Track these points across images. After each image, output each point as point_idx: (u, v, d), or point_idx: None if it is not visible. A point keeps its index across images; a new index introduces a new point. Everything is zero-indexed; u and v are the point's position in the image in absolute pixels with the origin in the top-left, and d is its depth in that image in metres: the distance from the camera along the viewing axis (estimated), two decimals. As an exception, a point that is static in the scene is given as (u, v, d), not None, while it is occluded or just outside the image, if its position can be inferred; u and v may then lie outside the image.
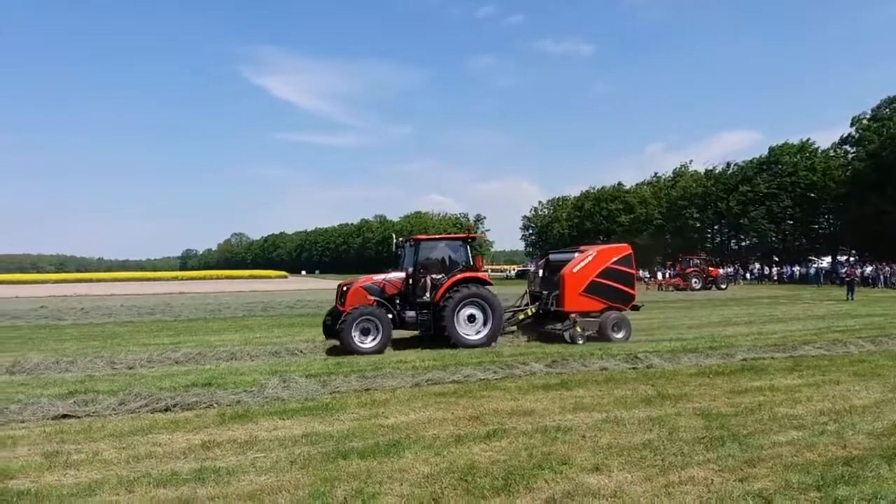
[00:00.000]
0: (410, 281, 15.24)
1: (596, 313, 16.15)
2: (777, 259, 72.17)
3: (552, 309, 16.52)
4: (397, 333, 15.47)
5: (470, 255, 15.76)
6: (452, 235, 16.56)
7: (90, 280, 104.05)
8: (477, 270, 15.55)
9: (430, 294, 15.05)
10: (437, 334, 14.90)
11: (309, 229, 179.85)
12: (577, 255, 16.94)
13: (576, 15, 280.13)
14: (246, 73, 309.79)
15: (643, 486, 5.61)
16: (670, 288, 47.66)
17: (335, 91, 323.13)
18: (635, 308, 16.95)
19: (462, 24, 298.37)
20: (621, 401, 8.88)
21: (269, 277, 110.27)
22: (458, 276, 15.16)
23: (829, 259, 67.95)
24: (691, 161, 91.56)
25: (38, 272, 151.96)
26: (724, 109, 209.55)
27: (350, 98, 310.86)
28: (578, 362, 11.75)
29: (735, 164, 75.94)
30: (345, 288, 15.38)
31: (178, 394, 9.47)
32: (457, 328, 14.71)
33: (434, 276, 15.39)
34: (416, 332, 15.56)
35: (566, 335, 15.63)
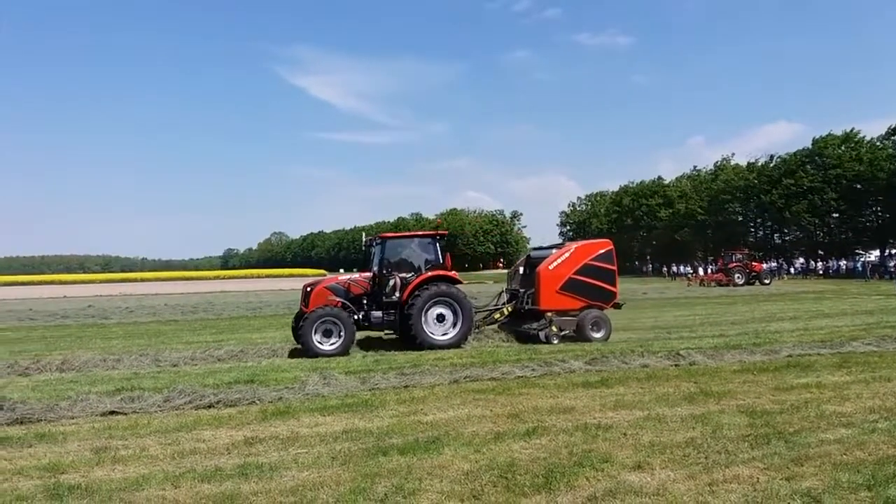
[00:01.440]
0: (377, 280, 14.89)
1: (575, 312, 15.57)
2: (822, 253, 70.49)
3: (527, 308, 16.01)
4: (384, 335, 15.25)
5: (440, 253, 15.28)
6: (421, 233, 16.14)
7: (135, 280, 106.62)
8: (447, 269, 15.10)
9: (398, 294, 14.64)
10: (404, 335, 14.57)
11: (347, 227, 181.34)
12: (554, 251, 16.51)
13: (613, 7, 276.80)
14: (284, 73, 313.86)
15: (686, 484, 5.52)
16: (712, 283, 46.88)
17: (371, 90, 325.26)
18: (617, 306, 16.41)
19: (498, 19, 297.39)
20: (663, 398, 8.76)
21: (309, 275, 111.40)
22: (426, 275, 14.73)
23: (876, 252, 66.11)
24: (733, 154, 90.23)
25: (85, 272, 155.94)
26: (766, 101, 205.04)
27: (386, 96, 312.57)
28: (618, 359, 11.62)
29: (778, 157, 74.45)
30: (308, 289, 14.99)
31: (221, 390, 9.63)
32: (424, 328, 14.29)
33: (403, 275, 15.02)
34: (392, 335, 15.18)
35: (541, 335, 15.06)
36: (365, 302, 14.87)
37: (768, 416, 7.61)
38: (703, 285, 47.27)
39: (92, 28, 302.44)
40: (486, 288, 48.82)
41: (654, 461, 6.10)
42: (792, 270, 65.00)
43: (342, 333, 13.89)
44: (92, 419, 8.37)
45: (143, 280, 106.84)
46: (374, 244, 15.44)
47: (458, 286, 14.84)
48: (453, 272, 15.11)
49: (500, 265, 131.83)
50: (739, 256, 49.28)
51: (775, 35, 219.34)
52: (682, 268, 67.44)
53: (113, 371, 12.58)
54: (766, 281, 46.43)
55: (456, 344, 14.32)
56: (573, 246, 16.32)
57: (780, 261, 67.98)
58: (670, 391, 9.19)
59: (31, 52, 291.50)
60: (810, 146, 69.92)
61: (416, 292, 14.37)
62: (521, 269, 17.06)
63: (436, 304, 14.44)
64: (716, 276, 48.91)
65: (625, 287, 43.03)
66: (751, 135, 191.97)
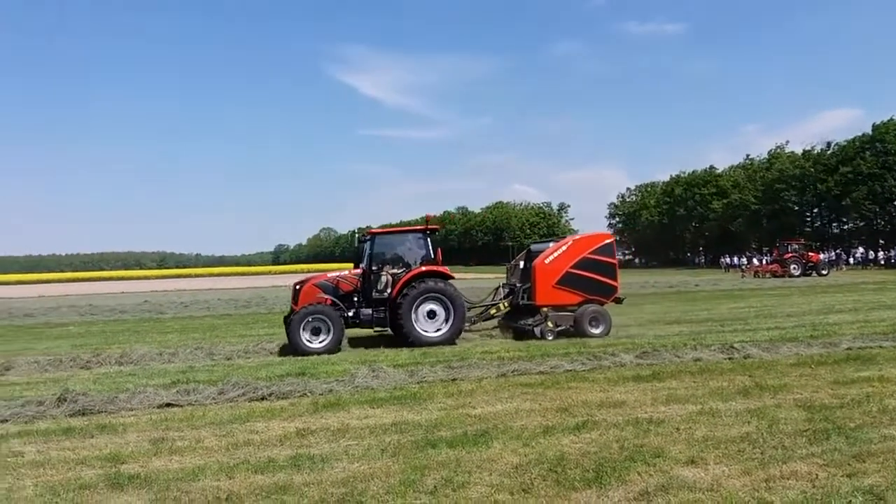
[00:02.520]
0: (367, 277, 14.72)
1: (573, 307, 15.16)
2: (883, 242, 67.96)
3: (523, 303, 15.61)
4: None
5: (430, 248, 15.04)
6: (411, 228, 15.81)
7: (189, 276, 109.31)
8: (438, 264, 14.89)
9: (389, 290, 14.49)
10: (394, 332, 14.41)
11: (393, 222, 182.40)
12: (551, 245, 16.10)
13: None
14: (334, 72, 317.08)
15: (742, 479, 5.39)
16: (767, 275, 45.66)
17: (418, 86, 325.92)
18: (618, 301, 15.94)
19: (542, 10, 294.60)
20: (717, 392, 8.57)
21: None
22: (416, 271, 14.51)
23: (942, 241, 63.43)
24: (787, 142, 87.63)
25: (142, 269, 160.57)
26: (823, 86, 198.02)
27: (433, 92, 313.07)
28: (670, 353, 11.41)
29: (836, 144, 72.01)
30: (298, 287, 14.84)
31: (273, 383, 9.81)
32: (415, 325, 14.09)
33: (393, 271, 14.88)
34: (383, 332, 14.96)
35: (536, 331, 14.65)
36: (355, 299, 14.69)
37: (827, 411, 7.38)
38: (758, 276, 46.08)
39: (149, 29, 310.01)
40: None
41: (707, 456, 5.98)
42: (851, 260, 62.72)
43: (331, 331, 13.67)
44: (149, 411, 8.62)
45: (197, 276, 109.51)
46: (364, 240, 15.16)
47: (450, 282, 14.58)
48: (444, 267, 14.87)
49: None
50: (795, 247, 47.85)
51: (831, 17, 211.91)
52: (735, 259, 65.77)
53: (169, 364, 12.94)
54: (824, 271, 45.00)
55: (447, 341, 14.07)
56: (571, 239, 15.92)
57: (839, 251, 65.74)
58: (724, 385, 8.99)
59: (98, 61, 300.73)
60: (870, 132, 67.40)
61: (406, 289, 14.16)
62: (522, 263, 16.54)
63: (426, 300, 14.22)
64: (771, 266, 47.58)
65: (676, 279, 42.54)
66: (806, 122, 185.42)
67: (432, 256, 14.93)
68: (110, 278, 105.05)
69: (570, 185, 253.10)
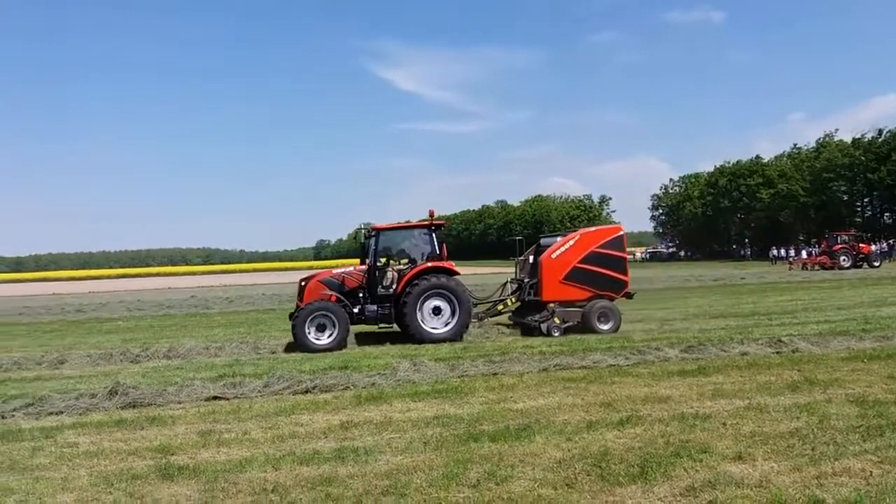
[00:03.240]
0: (372, 273, 14.62)
1: (582, 302, 14.85)
2: (939, 233, 65.61)
3: (529, 299, 15.33)
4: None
5: (436, 243, 14.84)
6: (416, 223, 15.52)
7: (234, 271, 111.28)
8: (443, 260, 14.70)
9: (394, 286, 14.38)
10: (400, 328, 14.28)
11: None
12: (559, 239, 15.76)
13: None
14: (372, 67, 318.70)
15: (791, 476, 5.27)
16: (815, 267, 44.46)
17: (456, 79, 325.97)
18: (628, 296, 15.55)
19: (582, 1, 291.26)
20: (765, 387, 8.39)
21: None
22: (422, 267, 14.35)
23: None
24: (836, 130, 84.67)
25: (188, 265, 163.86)
26: (874, 71, 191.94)
27: (471, 85, 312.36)
28: (717, 347, 11.21)
29: (888, 131, 69.65)
30: (303, 283, 14.85)
31: (317, 376, 9.93)
32: (419, 321, 13.94)
33: (399, 267, 14.75)
34: (387, 328, 14.75)
35: (542, 327, 14.38)
36: (361, 295, 14.59)
37: (881, 407, 7.16)
38: (806, 269, 44.91)
39: (185, 27, 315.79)
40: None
41: (755, 452, 5.86)
42: (905, 252, 60.71)
43: (336, 328, 13.59)
44: (197, 404, 8.81)
45: (241, 271, 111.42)
46: (369, 236, 15.03)
47: (456, 277, 14.44)
48: (450, 263, 14.73)
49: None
50: (845, 238, 46.49)
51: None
52: (782, 251, 64.21)
53: (215, 358, 13.20)
54: (876, 263, 43.66)
55: (453, 338, 13.89)
56: (579, 233, 15.59)
57: (891, 241, 63.62)
58: (772, 380, 8.80)
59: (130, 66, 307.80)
60: (925, 118, 65.07)
61: (412, 285, 14.05)
62: (532, 258, 16.14)
63: (432, 296, 14.04)
64: (819, 258, 46.30)
65: (721, 272, 41.77)
66: (856, 108, 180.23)
67: (438, 252, 14.77)
68: (158, 274, 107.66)
69: (612, 176, 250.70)
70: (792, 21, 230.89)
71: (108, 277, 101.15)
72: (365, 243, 15.07)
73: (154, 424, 7.74)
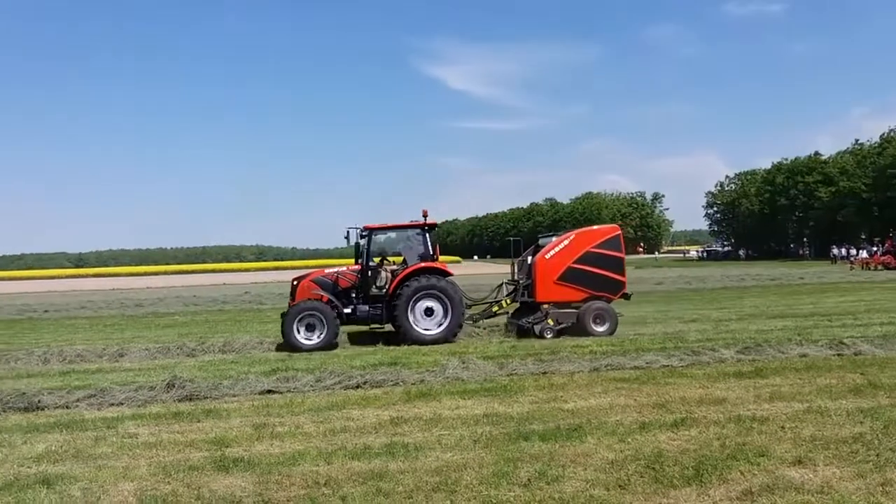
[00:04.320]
0: (365, 273, 14.51)
1: (577, 304, 14.49)
2: None
3: (523, 300, 15.05)
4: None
5: (429, 244, 14.70)
6: (409, 223, 15.24)
7: (286, 268, 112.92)
8: (436, 260, 14.58)
9: (387, 286, 14.27)
10: (395, 329, 14.16)
11: (480, 214, 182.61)
12: (553, 239, 15.37)
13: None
14: (421, 66, 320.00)
15: (855, 482, 5.08)
16: (878, 267, 42.85)
17: (508, 76, 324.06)
18: (626, 297, 15.05)
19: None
20: (825, 390, 8.13)
21: (444, 262, 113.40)
22: (414, 267, 14.24)
23: None
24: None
25: (242, 261, 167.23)
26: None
27: (523, 82, 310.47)
28: (774, 349, 10.90)
29: (957, 126, 66.53)
30: (295, 283, 14.82)
31: (367, 372, 10.03)
32: (411, 322, 13.80)
33: (393, 267, 14.62)
34: (379, 328, 14.71)
35: (535, 329, 14.10)
36: (354, 295, 14.52)
37: (952, 413, 6.86)
38: (869, 269, 43.32)
39: (233, 25, 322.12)
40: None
41: (816, 457, 5.68)
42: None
43: (325, 328, 13.55)
44: (251, 397, 8.98)
45: (293, 268, 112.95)
46: (361, 236, 14.79)
47: (449, 279, 14.28)
48: (443, 264, 14.59)
49: (641, 250, 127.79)
50: (911, 237, 44.70)
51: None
52: (843, 250, 62.06)
53: (269, 353, 13.46)
54: (944, 263, 41.83)
55: (444, 339, 13.73)
56: (574, 232, 15.22)
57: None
58: (833, 382, 8.52)
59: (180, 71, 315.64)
60: None
61: (403, 285, 13.94)
62: (529, 259, 15.69)
63: (424, 297, 13.90)
64: (883, 258, 44.60)
65: (779, 272, 40.60)
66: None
67: (431, 253, 14.67)
68: (213, 270, 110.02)
69: (665, 173, 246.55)
70: (854, 11, 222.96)
71: (166, 273, 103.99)
72: (360, 243, 14.88)
73: (210, 417, 7.92)
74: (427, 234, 14.79)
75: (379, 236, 15.11)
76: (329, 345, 13.57)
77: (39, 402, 8.73)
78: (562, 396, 8.34)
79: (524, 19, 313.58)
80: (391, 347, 13.50)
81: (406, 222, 15.08)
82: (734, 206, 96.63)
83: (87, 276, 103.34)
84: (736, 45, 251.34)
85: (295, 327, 13.51)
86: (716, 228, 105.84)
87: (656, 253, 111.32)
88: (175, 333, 17.90)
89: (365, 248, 14.57)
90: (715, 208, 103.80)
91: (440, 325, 13.94)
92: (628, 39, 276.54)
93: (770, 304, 20.68)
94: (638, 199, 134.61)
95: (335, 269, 15.07)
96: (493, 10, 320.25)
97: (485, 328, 15.41)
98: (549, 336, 13.83)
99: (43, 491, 5.52)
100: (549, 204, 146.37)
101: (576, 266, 14.54)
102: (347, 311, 14.21)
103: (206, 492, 5.39)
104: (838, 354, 10.45)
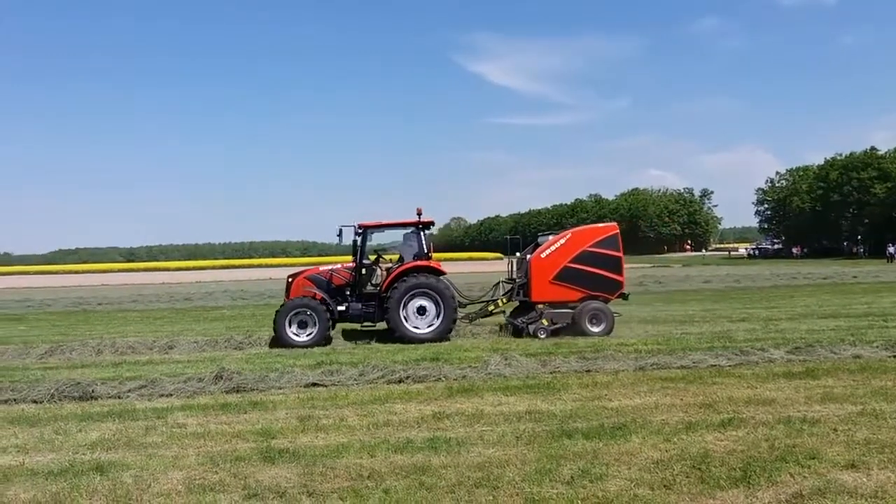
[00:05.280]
0: (359, 271, 14.49)
1: (573, 304, 14.19)
2: None
3: (518, 299, 14.88)
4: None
5: (423, 243, 14.59)
6: (403, 221, 15.04)
7: (331, 263, 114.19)
8: (429, 259, 14.46)
9: (381, 284, 14.22)
10: (388, 326, 14.00)
11: (522, 211, 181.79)
12: (550, 237, 15.03)
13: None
14: (463, 61, 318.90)
15: (912, 488, 4.92)
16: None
17: (550, 70, 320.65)
18: (623, 297, 14.67)
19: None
20: (880, 392, 7.88)
21: (486, 259, 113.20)
22: (406, 266, 14.16)
23: None
24: (965, 118, 78.08)
25: (287, 256, 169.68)
26: None
27: (565, 76, 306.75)
28: (826, 349, 10.61)
29: None
30: (290, 279, 14.80)
31: (409, 367, 10.08)
32: (402, 320, 13.68)
33: (388, 265, 14.51)
34: (370, 326, 14.55)
35: (530, 328, 13.85)
36: (348, 293, 14.48)
37: None
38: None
39: (279, 24, 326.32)
40: (671, 272, 46.84)
41: (870, 460, 5.52)
42: None
43: (317, 325, 13.60)
44: (297, 390, 9.12)
45: (337, 263, 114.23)
46: (356, 233, 14.68)
47: (443, 277, 14.14)
48: (437, 263, 14.48)
49: (689, 247, 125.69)
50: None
51: None
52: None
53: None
54: None
55: (436, 338, 13.62)
56: (570, 231, 14.89)
57: None
58: (889, 385, 8.26)
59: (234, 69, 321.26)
60: None
61: (396, 283, 13.85)
62: (528, 258, 15.34)
63: (416, 295, 13.81)
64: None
65: (831, 270, 39.52)
66: None
67: (425, 251, 14.58)
68: (259, 265, 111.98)
69: (713, 169, 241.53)
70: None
71: (214, 268, 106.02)
72: (356, 240, 14.76)
73: (256, 409, 8.07)
74: (422, 233, 14.74)
75: (373, 234, 15.08)
76: (321, 342, 13.64)
77: (93, 391, 9.02)
78: (606, 395, 8.26)
79: (566, 13, 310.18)
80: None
81: (401, 220, 15.06)
82: (785, 202, 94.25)
83: (138, 270, 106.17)
84: (784, 36, 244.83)
85: (287, 324, 13.59)
86: (766, 226, 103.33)
87: (703, 251, 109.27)
88: (223, 327, 18.25)
89: (359, 246, 14.59)
90: (765, 205, 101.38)
91: (432, 324, 13.87)
92: (672, 32, 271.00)
93: (822, 304, 20.11)
94: (685, 195, 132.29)
95: (329, 267, 15.12)
96: (534, 3, 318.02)
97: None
98: (542, 336, 13.63)
99: (97, 477, 5.70)
100: (593, 200, 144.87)
101: (572, 265, 14.33)
102: (341, 308, 14.21)
103: (253, 482, 5.49)
104: (894, 356, 10.13)
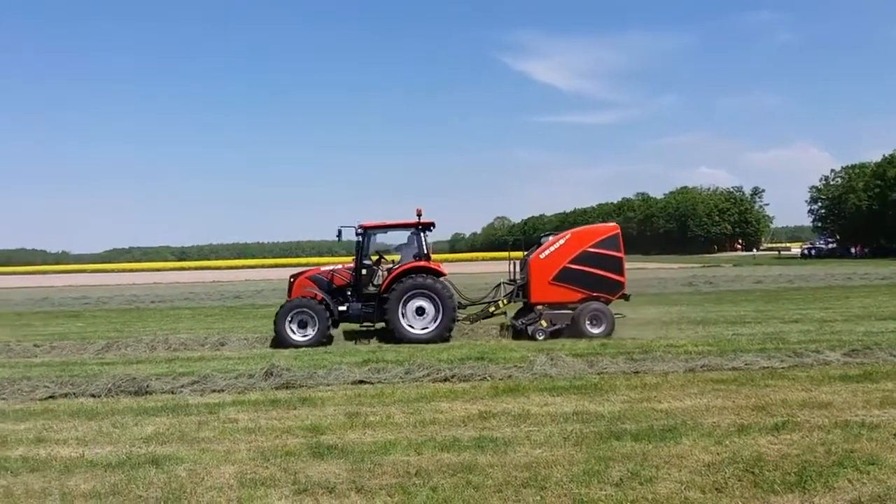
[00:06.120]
0: (360, 271, 14.46)
1: (573, 304, 13.99)
2: None
3: (516, 300, 14.70)
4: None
5: (423, 243, 14.55)
6: (403, 222, 14.94)
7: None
8: (429, 260, 14.42)
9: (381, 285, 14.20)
10: (387, 327, 13.96)
11: (568, 210, 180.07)
12: (550, 238, 14.71)
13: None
14: (507, 60, 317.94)
15: (978, 497, 4.73)
16: None
17: (596, 68, 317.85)
18: (624, 297, 14.30)
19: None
20: (944, 397, 7.59)
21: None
22: (405, 266, 14.13)
23: None
24: None
25: (333, 255, 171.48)
26: None
27: (611, 73, 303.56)
28: (885, 351, 10.27)
29: None
30: (292, 279, 14.87)
31: (455, 366, 10.10)
32: (400, 321, 13.68)
33: (388, 266, 14.45)
34: (369, 327, 14.61)
35: (529, 329, 13.68)
36: (349, 293, 14.53)
37: None
38: None
39: (325, 24, 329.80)
40: (722, 272, 45.88)
41: (934, 468, 5.31)
42: None
43: (316, 325, 13.66)
44: (344, 387, 9.23)
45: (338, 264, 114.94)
46: (357, 234, 14.70)
47: (441, 279, 14.04)
48: (437, 264, 14.42)
49: (739, 247, 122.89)
50: None
51: None
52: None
53: (360, 345, 13.78)
54: None
55: (434, 339, 13.56)
56: (570, 232, 14.64)
57: None
58: (953, 390, 7.94)
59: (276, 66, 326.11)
60: None
61: (394, 284, 13.85)
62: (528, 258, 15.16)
63: (415, 296, 13.79)
64: None
65: (889, 270, 38.15)
66: None
67: (425, 252, 14.57)
68: (307, 264, 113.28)
69: (765, 167, 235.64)
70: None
71: (263, 267, 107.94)
72: (359, 240, 14.75)
73: (305, 405, 8.19)
74: (422, 234, 14.74)
75: (374, 235, 15.03)
76: (320, 342, 13.73)
77: (148, 386, 9.28)
78: (655, 396, 8.14)
79: (611, 9, 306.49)
80: (478, 342, 13.58)
81: (401, 221, 15.07)
82: (840, 201, 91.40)
83: (189, 269, 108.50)
84: (840, 29, 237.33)
85: (287, 323, 13.71)
86: (819, 225, 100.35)
87: (755, 250, 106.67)
88: (272, 324, 18.49)
89: (360, 247, 14.63)
90: (819, 204, 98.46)
91: (431, 324, 13.86)
92: (721, 26, 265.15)
93: (880, 305, 19.44)
94: (736, 194, 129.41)
95: (331, 267, 15.20)
96: (579, 0, 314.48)
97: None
98: (540, 338, 13.52)
99: (152, 470, 5.86)
100: (640, 199, 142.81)
101: (572, 266, 14.17)
102: (342, 308, 14.30)
103: (302, 477, 5.57)
104: (959, 360, 9.74)
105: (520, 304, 14.99)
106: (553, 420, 7.15)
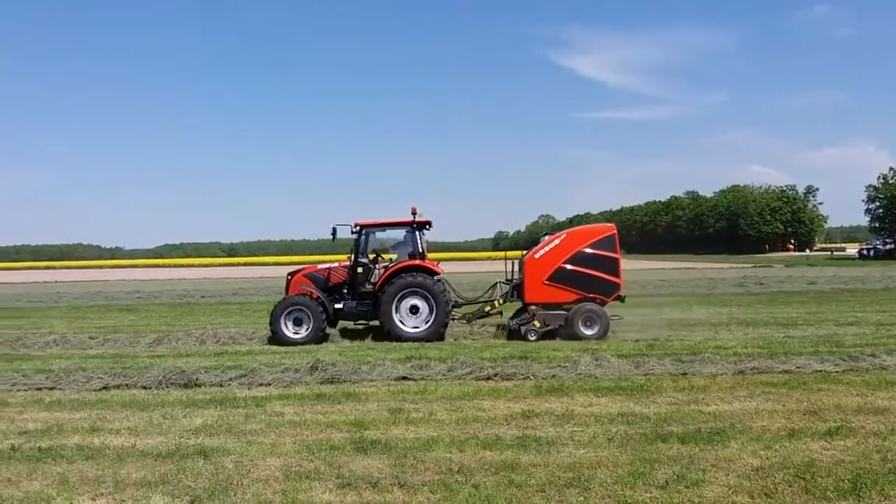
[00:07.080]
0: (356, 269, 14.43)
1: (568, 305, 13.68)
2: None
3: (511, 300, 14.49)
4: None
5: (419, 242, 14.47)
6: (400, 221, 14.80)
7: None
8: (424, 259, 14.33)
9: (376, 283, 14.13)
10: (382, 325, 13.83)
11: (614, 208, 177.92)
12: (546, 237, 14.35)
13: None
14: (553, 56, 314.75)
15: None
16: None
17: (643, 63, 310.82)
18: (620, 299, 13.92)
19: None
20: None
21: (433, 260, 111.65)
22: (400, 265, 14.10)
23: None
24: None
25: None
26: None
27: (659, 69, 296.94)
28: (945, 356, 9.89)
29: None
30: (289, 276, 14.89)
31: (497, 364, 10.08)
32: (394, 319, 13.65)
33: (385, 264, 14.31)
34: (363, 325, 14.57)
35: (521, 330, 13.44)
36: (345, 291, 14.53)
37: None
38: None
39: (372, 21, 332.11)
40: (773, 272, 44.75)
41: None
42: None
43: (311, 322, 13.68)
44: (387, 383, 9.30)
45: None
46: (353, 232, 14.68)
47: (437, 277, 13.91)
48: (432, 262, 14.29)
49: (791, 247, 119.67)
50: None
51: None
52: None
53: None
54: None
55: (428, 337, 13.53)
56: (565, 232, 14.35)
57: None
58: None
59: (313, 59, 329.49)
60: None
61: (389, 282, 13.81)
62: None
63: (409, 294, 13.76)
64: None
65: (951, 273, 36.54)
66: None
67: (420, 251, 14.51)
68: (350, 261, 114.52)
69: (819, 165, 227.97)
70: None
71: (309, 263, 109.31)
72: (357, 239, 14.75)
73: (349, 400, 8.29)
74: (417, 232, 14.70)
75: (370, 233, 15.02)
76: (315, 339, 13.77)
77: (197, 379, 9.51)
78: (703, 399, 7.98)
79: (660, 4, 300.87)
80: (519, 342, 13.51)
81: (397, 219, 15.04)
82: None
83: (238, 264, 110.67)
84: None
85: (283, 321, 13.78)
86: (876, 225, 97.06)
87: (807, 250, 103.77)
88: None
89: (356, 245, 14.69)
90: (877, 203, 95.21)
91: (425, 323, 13.85)
92: (773, 21, 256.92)
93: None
94: (789, 192, 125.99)
95: (327, 265, 15.25)
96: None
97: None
98: (532, 338, 13.36)
99: (200, 461, 6.00)
100: (690, 197, 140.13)
101: (566, 266, 13.95)
102: (338, 306, 14.36)
103: (346, 471, 5.64)
104: None
105: (518, 304, 14.92)
106: (597, 421, 7.08)
